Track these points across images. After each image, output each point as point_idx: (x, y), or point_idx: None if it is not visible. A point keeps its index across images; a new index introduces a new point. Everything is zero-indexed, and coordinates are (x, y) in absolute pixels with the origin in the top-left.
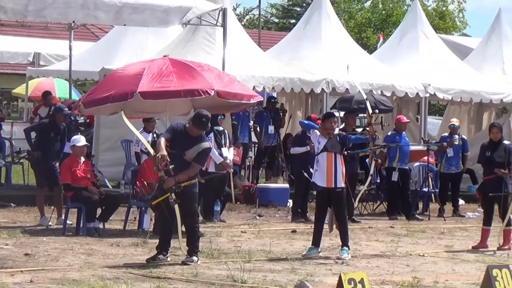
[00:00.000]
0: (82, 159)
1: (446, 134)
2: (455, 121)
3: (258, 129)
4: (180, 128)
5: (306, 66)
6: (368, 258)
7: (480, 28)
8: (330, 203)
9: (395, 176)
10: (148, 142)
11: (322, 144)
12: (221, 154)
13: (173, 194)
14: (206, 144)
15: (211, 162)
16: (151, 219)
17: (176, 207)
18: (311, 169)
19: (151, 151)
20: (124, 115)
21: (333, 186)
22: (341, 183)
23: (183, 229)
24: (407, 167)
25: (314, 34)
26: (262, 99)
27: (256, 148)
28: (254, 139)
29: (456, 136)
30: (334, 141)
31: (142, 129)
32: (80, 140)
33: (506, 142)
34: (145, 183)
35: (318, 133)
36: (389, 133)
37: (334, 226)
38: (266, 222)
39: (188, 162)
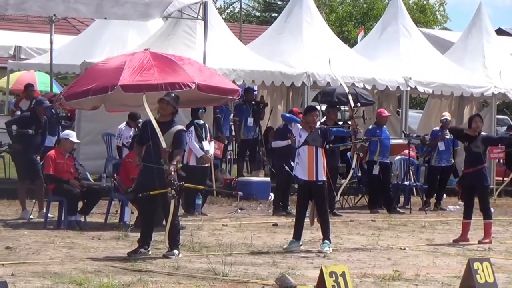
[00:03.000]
0: (67, 154)
1: (437, 128)
2: (447, 115)
3: (238, 122)
4: (149, 120)
5: (287, 60)
6: (349, 251)
7: (461, 22)
8: (311, 196)
9: (376, 170)
10: (130, 137)
11: (303, 137)
12: (202, 148)
13: (172, 190)
14: (178, 127)
15: (192, 155)
16: (132, 212)
17: (172, 202)
18: (292, 163)
19: (164, 144)
20: (145, 102)
21: (314, 179)
22: (323, 177)
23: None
24: (388, 161)
25: (295, 27)
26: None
27: (234, 142)
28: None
29: (447, 131)
30: (316, 135)
31: (125, 123)
32: (74, 135)
33: (483, 133)
34: (129, 177)
35: (299, 126)
36: (370, 127)
37: (316, 220)
38: (247, 215)
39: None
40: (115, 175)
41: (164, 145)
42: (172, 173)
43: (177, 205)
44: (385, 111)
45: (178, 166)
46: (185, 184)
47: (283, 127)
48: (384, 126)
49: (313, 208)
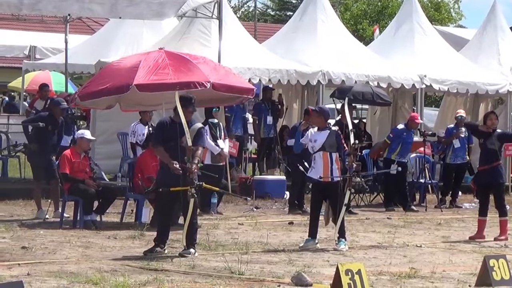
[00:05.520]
0: (83, 153)
1: (452, 125)
2: (462, 113)
3: (257, 121)
4: (166, 121)
5: (302, 58)
6: (365, 249)
7: (475, 19)
8: (325, 195)
9: (394, 169)
10: (143, 134)
11: (319, 142)
12: (217, 146)
13: (192, 189)
14: (198, 125)
15: (207, 153)
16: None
17: (192, 201)
18: (306, 163)
19: (189, 142)
20: (178, 99)
21: (329, 179)
22: (337, 176)
23: (180, 221)
24: (405, 160)
25: (309, 26)
26: (258, 91)
27: (250, 140)
28: (250, 131)
29: (463, 128)
30: (332, 140)
31: (138, 121)
32: (89, 134)
33: (498, 130)
34: (145, 176)
35: (312, 131)
36: (398, 126)
37: (330, 219)
38: (263, 214)
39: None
40: (138, 175)
41: (190, 143)
42: (195, 171)
43: (196, 204)
44: (418, 118)
45: (199, 165)
46: (204, 185)
47: (299, 125)
48: (413, 129)
49: (328, 208)
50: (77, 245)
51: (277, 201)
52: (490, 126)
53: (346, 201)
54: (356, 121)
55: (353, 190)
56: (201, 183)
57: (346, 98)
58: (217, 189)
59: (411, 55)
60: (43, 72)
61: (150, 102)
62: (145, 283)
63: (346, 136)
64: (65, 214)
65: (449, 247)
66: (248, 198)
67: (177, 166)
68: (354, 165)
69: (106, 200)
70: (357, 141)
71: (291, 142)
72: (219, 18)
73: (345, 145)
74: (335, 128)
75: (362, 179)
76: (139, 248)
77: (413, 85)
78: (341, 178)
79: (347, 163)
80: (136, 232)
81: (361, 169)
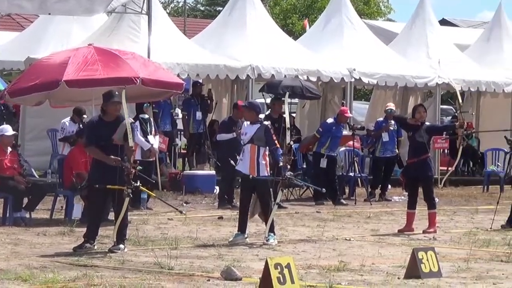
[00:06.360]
0: (9, 149)
1: (381, 118)
2: (391, 106)
3: (186, 116)
4: (95, 120)
5: (231, 53)
6: (294, 243)
7: (404, 13)
8: (254, 189)
9: (323, 163)
10: (73, 131)
11: (249, 135)
12: (147, 142)
13: (129, 189)
14: (127, 121)
15: (138, 149)
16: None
17: (126, 200)
18: (237, 156)
19: (131, 143)
20: (124, 97)
21: (255, 174)
22: (264, 172)
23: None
24: (335, 154)
25: (239, 21)
26: (187, 86)
27: (181, 136)
28: (180, 126)
29: (392, 121)
30: (260, 134)
31: (69, 118)
32: (8, 129)
33: (427, 123)
34: (74, 173)
35: (245, 124)
36: (327, 120)
37: (257, 215)
38: (193, 209)
39: (120, 146)
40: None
41: (131, 143)
42: (133, 172)
43: (129, 203)
44: (348, 111)
45: (138, 168)
46: (140, 187)
47: (228, 120)
48: (342, 123)
49: (254, 202)
50: (6, 242)
51: (206, 196)
52: (419, 119)
53: (278, 200)
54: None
55: (285, 190)
56: (137, 184)
57: (287, 94)
58: (153, 194)
59: (340, 49)
60: None
61: (79, 98)
62: (74, 279)
63: (283, 132)
64: None
65: (378, 240)
66: (183, 212)
67: (117, 159)
68: (288, 166)
69: (35, 196)
70: (292, 142)
71: (220, 137)
72: (149, 13)
73: (276, 142)
74: (267, 122)
75: (293, 176)
76: (69, 245)
77: (342, 78)
78: (268, 175)
79: (281, 164)
80: (65, 229)
81: (291, 164)
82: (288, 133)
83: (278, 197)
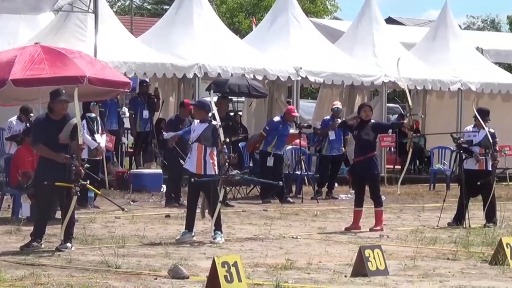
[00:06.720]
0: None
1: (328, 117)
2: (338, 104)
3: (133, 115)
4: (42, 118)
5: (178, 52)
6: (241, 241)
7: (351, 11)
8: (201, 188)
9: (270, 162)
10: (19, 130)
11: (197, 133)
12: (94, 140)
13: (77, 187)
14: (74, 121)
15: (85, 148)
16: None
17: (74, 198)
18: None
19: (80, 141)
20: (76, 96)
21: (202, 173)
22: (211, 171)
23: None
24: (281, 153)
25: (185, 19)
26: (134, 85)
27: (128, 134)
28: (127, 125)
29: (339, 120)
30: (208, 133)
31: (16, 117)
32: None
33: (372, 121)
34: (20, 172)
35: (195, 122)
36: (274, 119)
37: (206, 212)
38: (140, 207)
39: (66, 144)
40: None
41: (80, 141)
42: (82, 171)
43: (76, 202)
44: (295, 111)
45: (85, 166)
46: (88, 186)
47: (175, 118)
48: (289, 122)
49: (204, 201)
50: None
51: (154, 194)
52: (365, 118)
53: (221, 198)
54: (232, 114)
55: (229, 189)
56: (85, 182)
57: (212, 94)
58: (99, 192)
59: (287, 48)
60: None
61: (26, 97)
62: (21, 278)
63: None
64: None
65: (325, 238)
66: (126, 209)
67: (66, 156)
68: (227, 163)
69: None
70: (227, 139)
71: (167, 135)
72: (95, 12)
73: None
74: (215, 122)
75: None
76: (16, 243)
77: (289, 77)
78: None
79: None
80: (12, 227)
81: (238, 162)
82: (220, 130)
83: (221, 195)
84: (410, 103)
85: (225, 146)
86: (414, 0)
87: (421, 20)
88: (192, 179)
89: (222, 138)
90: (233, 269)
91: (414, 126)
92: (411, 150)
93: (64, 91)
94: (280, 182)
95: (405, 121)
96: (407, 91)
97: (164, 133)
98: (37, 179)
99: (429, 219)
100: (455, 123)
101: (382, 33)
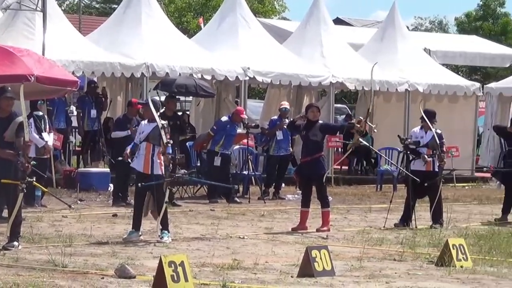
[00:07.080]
0: None
1: (276, 117)
2: (286, 105)
3: (81, 114)
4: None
5: (126, 51)
6: (188, 241)
7: (299, 12)
8: (148, 188)
9: (217, 161)
10: None
11: (145, 133)
12: (41, 139)
13: (23, 184)
14: (19, 119)
15: (32, 146)
16: None
17: (21, 195)
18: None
19: (27, 137)
20: (22, 94)
21: (149, 172)
22: (158, 171)
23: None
24: (228, 152)
25: (134, 19)
26: (82, 84)
27: (75, 133)
28: (74, 123)
29: (287, 120)
30: (156, 132)
31: None
32: None
33: (320, 121)
34: None
35: (143, 123)
36: (222, 119)
37: (150, 212)
38: (87, 206)
39: (11, 143)
40: None
41: (27, 138)
42: (28, 167)
43: (22, 199)
44: (244, 113)
45: (32, 163)
46: (34, 182)
47: (123, 117)
48: (237, 122)
49: (148, 199)
50: None
51: (101, 193)
52: (312, 118)
53: (166, 198)
54: (180, 113)
55: (175, 190)
56: (31, 179)
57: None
58: (46, 189)
59: (235, 48)
60: None
61: None
62: None
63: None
64: None
65: (272, 238)
66: (72, 206)
67: (11, 152)
68: (171, 164)
69: None
70: (171, 141)
71: (115, 134)
72: (43, 10)
73: (171, 140)
74: (164, 122)
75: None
76: None
77: (237, 77)
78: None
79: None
80: None
81: (185, 161)
82: (163, 132)
83: (166, 195)
84: (371, 109)
85: (169, 146)
86: (362, 1)
87: (369, 21)
88: (139, 184)
89: (165, 140)
90: (179, 269)
91: (364, 131)
92: (350, 150)
93: (9, 89)
94: (236, 186)
95: (356, 124)
96: (372, 95)
97: (111, 132)
98: None
99: (376, 220)
100: (402, 123)
101: (330, 34)
